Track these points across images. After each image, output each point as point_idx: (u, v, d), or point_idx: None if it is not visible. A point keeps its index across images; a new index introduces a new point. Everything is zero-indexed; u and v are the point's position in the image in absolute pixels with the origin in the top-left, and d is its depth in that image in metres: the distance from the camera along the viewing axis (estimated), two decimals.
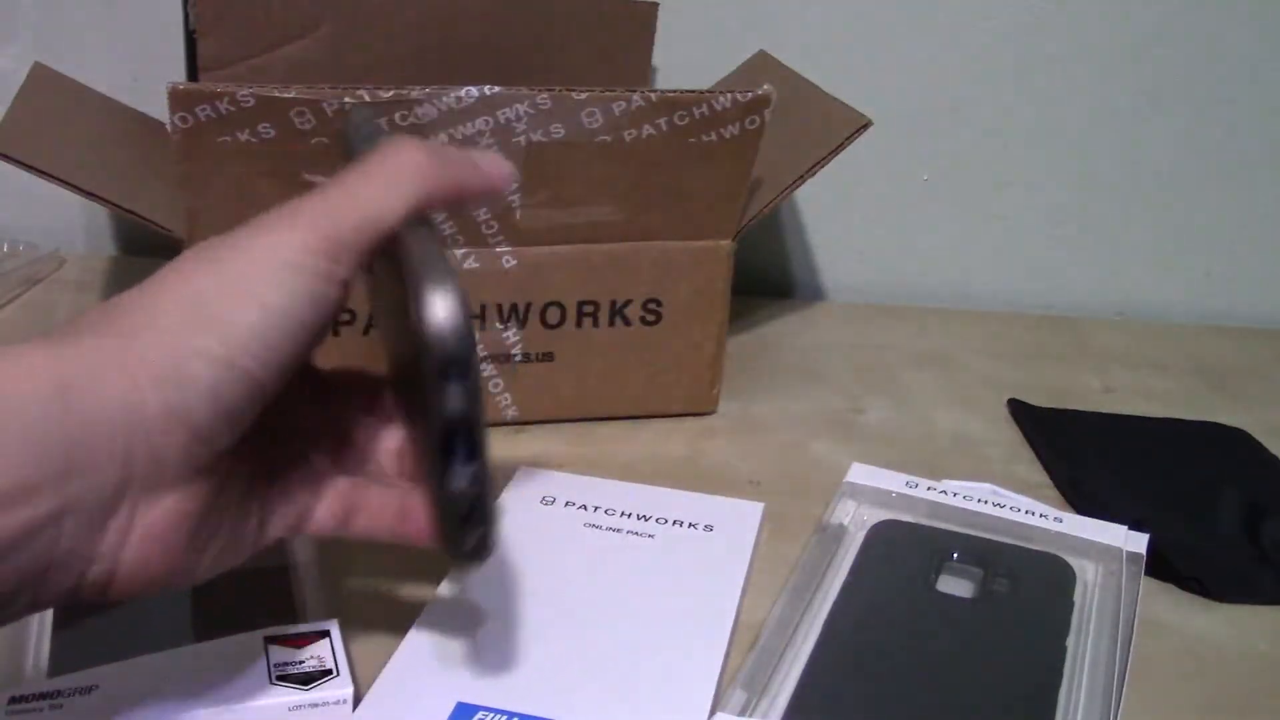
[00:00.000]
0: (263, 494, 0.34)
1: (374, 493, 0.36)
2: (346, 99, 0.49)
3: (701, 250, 0.58)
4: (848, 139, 0.59)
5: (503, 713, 0.37)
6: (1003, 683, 0.41)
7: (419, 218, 0.33)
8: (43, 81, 0.65)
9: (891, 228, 0.84)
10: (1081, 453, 0.60)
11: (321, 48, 0.62)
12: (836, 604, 0.45)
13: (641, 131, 0.53)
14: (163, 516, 0.30)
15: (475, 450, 0.30)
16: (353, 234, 0.31)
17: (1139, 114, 0.80)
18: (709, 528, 0.50)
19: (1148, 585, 0.48)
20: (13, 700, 0.34)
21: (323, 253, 0.31)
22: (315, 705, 0.36)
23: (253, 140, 0.50)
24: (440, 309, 0.29)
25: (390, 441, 0.38)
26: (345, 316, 0.56)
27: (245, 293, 0.30)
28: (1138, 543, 0.49)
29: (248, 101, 0.49)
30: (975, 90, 0.80)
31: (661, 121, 0.53)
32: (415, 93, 0.50)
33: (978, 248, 0.84)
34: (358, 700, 0.37)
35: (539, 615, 0.43)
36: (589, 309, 0.58)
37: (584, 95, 0.52)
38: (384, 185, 0.32)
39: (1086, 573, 0.48)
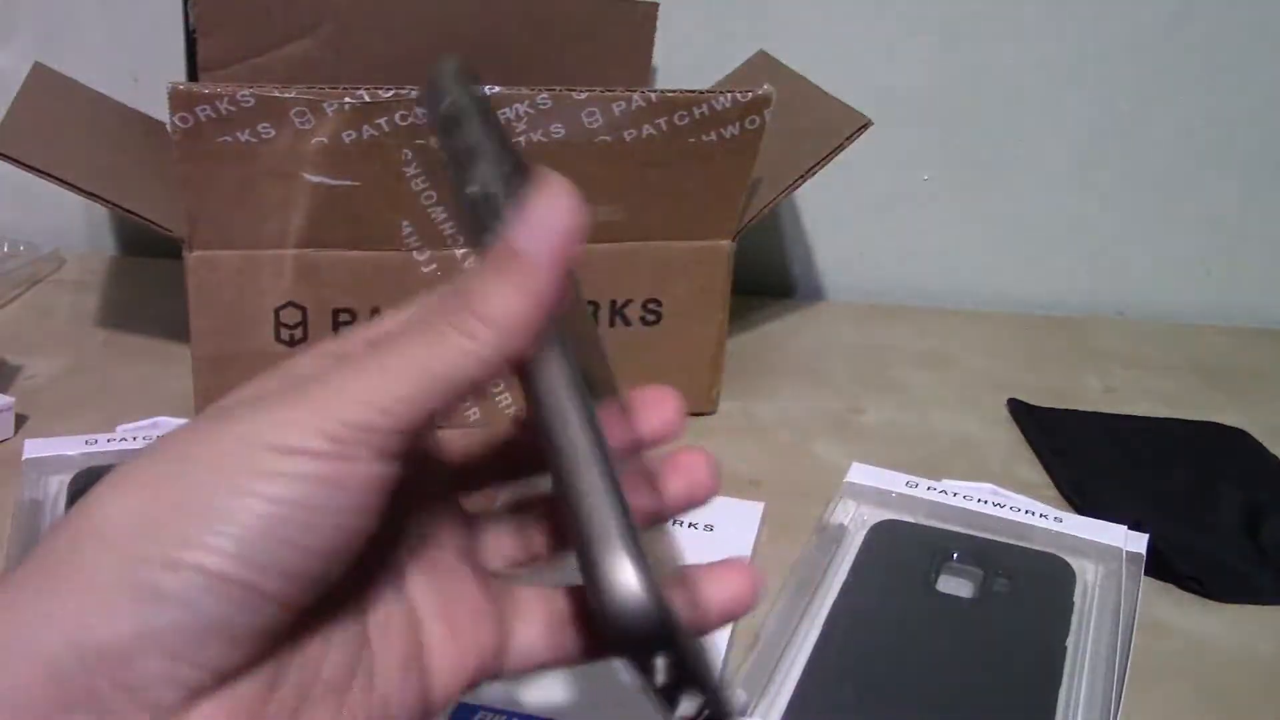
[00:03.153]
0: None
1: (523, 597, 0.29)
2: (346, 99, 0.49)
3: (701, 250, 0.58)
4: (848, 139, 0.59)
5: (503, 713, 0.37)
6: (1003, 683, 0.41)
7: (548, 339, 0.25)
8: (43, 81, 0.65)
9: (891, 228, 0.84)
10: (1081, 453, 0.60)
11: (321, 48, 0.63)
12: (836, 604, 0.45)
13: (641, 131, 0.53)
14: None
15: (695, 688, 0.24)
16: (383, 418, 0.23)
17: (1139, 114, 0.80)
18: (709, 528, 0.50)
19: (1148, 585, 0.48)
20: None
21: (344, 438, 0.22)
22: None
23: (253, 140, 0.50)
24: (621, 590, 0.22)
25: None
26: None
27: (224, 487, 0.22)
28: (1138, 543, 0.49)
29: (248, 101, 0.49)
30: (975, 90, 0.80)
31: (661, 121, 0.53)
32: (415, 93, 0.50)
33: (978, 248, 0.84)
34: None
35: None
36: (589, 309, 0.58)
37: (584, 95, 0.52)
38: (443, 350, 0.24)
39: (1086, 573, 0.48)
